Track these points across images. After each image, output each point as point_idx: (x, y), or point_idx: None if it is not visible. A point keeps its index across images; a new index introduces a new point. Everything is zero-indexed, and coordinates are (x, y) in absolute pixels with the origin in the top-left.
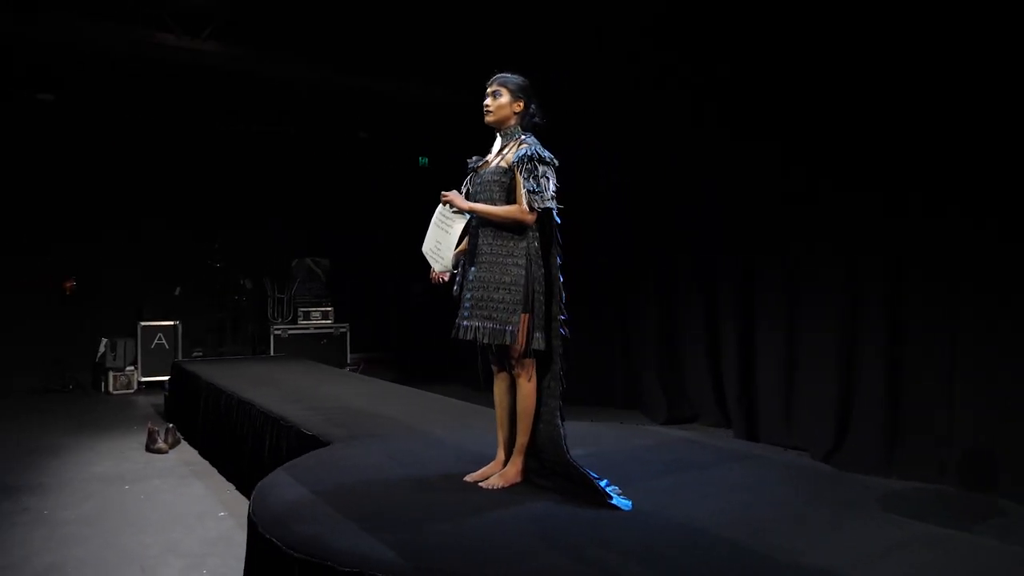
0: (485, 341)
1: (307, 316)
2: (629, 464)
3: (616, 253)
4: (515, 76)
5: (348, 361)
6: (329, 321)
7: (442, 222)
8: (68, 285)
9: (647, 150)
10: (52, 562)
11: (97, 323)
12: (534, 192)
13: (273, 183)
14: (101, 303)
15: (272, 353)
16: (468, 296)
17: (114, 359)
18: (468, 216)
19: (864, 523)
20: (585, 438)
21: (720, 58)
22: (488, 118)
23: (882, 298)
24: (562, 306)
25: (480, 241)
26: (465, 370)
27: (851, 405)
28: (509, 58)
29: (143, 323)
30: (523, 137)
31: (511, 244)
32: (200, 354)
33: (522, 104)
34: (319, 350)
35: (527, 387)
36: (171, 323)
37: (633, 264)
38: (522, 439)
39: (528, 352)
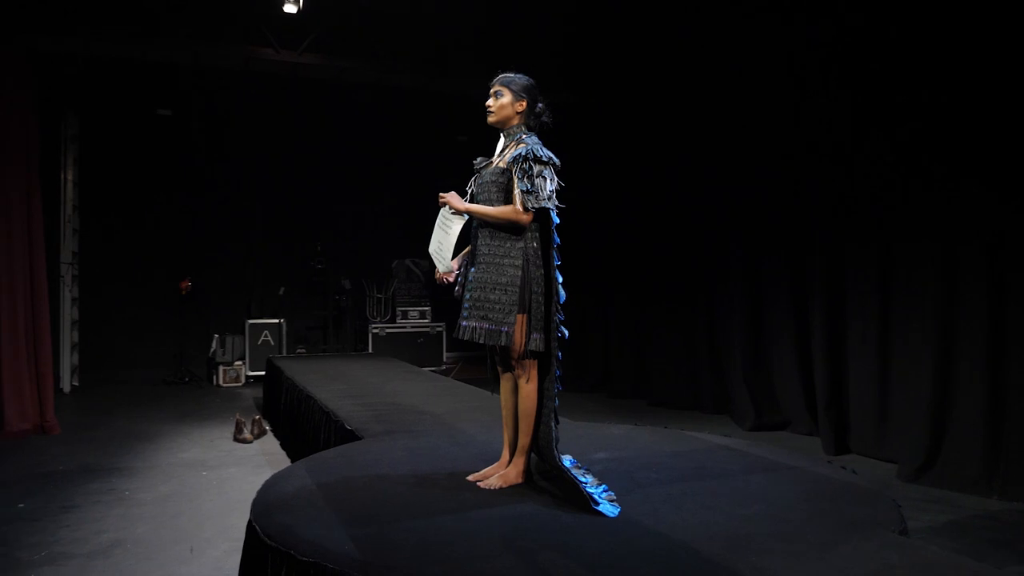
0: (481, 341)
1: (405, 315)
2: (647, 470)
3: (702, 250)
4: (519, 76)
5: (444, 360)
6: (427, 320)
7: (443, 223)
8: (184, 285)
9: (733, 141)
10: (116, 538)
11: (212, 320)
12: (528, 192)
13: (373, 186)
14: (216, 302)
15: (370, 351)
16: (467, 296)
17: (223, 354)
18: (467, 217)
19: (861, 545)
20: (619, 441)
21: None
22: (490, 118)
23: (983, 302)
24: (558, 306)
25: (479, 242)
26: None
27: (947, 417)
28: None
29: (251, 321)
30: (523, 137)
31: (508, 245)
32: (303, 351)
33: (524, 104)
34: (415, 348)
35: (526, 388)
36: (276, 321)
37: (721, 262)
38: (523, 440)
39: (527, 353)
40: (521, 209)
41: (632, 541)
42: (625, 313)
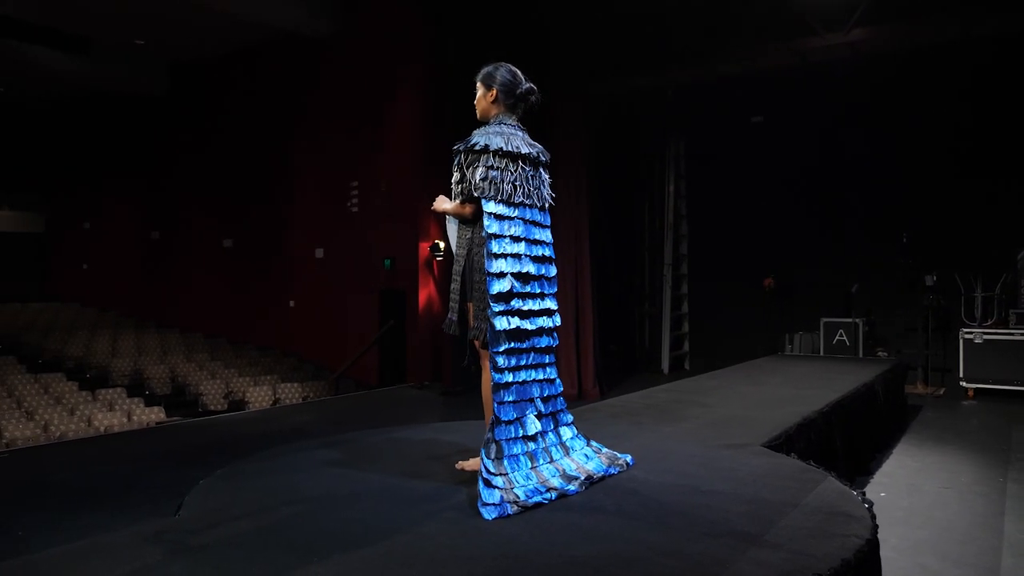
0: (445, 330)
1: (1020, 320)
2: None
3: None
4: (489, 67)
5: None
6: None
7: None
8: (767, 283)
9: None
10: None
11: (800, 316)
12: (458, 183)
13: (973, 164)
14: (807, 297)
15: (962, 360)
16: None
17: (791, 350)
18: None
19: None
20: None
21: None
22: (478, 116)
23: None
24: (491, 297)
25: None
26: None
27: None
28: None
29: (825, 319)
30: (488, 126)
31: (463, 235)
32: (883, 354)
33: (494, 92)
34: (1015, 363)
35: (484, 376)
36: (851, 320)
37: None
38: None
39: (483, 343)
40: (458, 202)
41: (432, 542)
42: None
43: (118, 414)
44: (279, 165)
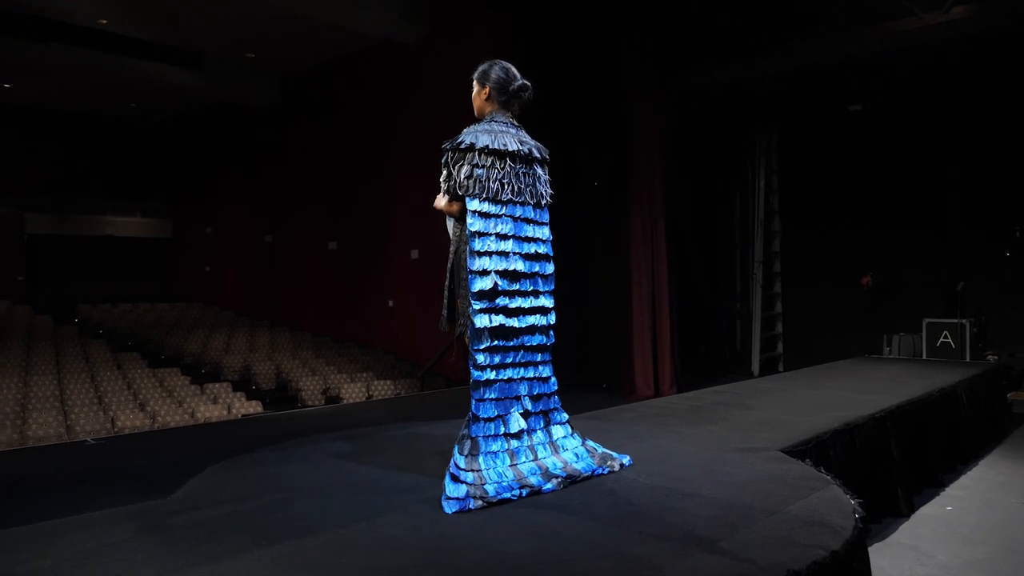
0: (439, 327)
1: None
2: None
3: None
4: (484, 64)
5: None
6: None
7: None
8: (865, 280)
9: None
10: None
11: (899, 317)
12: (444, 181)
13: None
14: (910, 297)
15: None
16: None
17: (889, 352)
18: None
19: None
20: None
21: None
22: (475, 114)
23: None
24: (472, 295)
25: None
26: None
27: None
28: None
29: (928, 320)
30: (478, 124)
31: (455, 232)
32: (993, 357)
33: (488, 90)
34: None
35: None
36: (957, 321)
37: None
38: None
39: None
40: (446, 199)
41: (377, 532)
42: None
43: (220, 407)
44: (378, 168)
